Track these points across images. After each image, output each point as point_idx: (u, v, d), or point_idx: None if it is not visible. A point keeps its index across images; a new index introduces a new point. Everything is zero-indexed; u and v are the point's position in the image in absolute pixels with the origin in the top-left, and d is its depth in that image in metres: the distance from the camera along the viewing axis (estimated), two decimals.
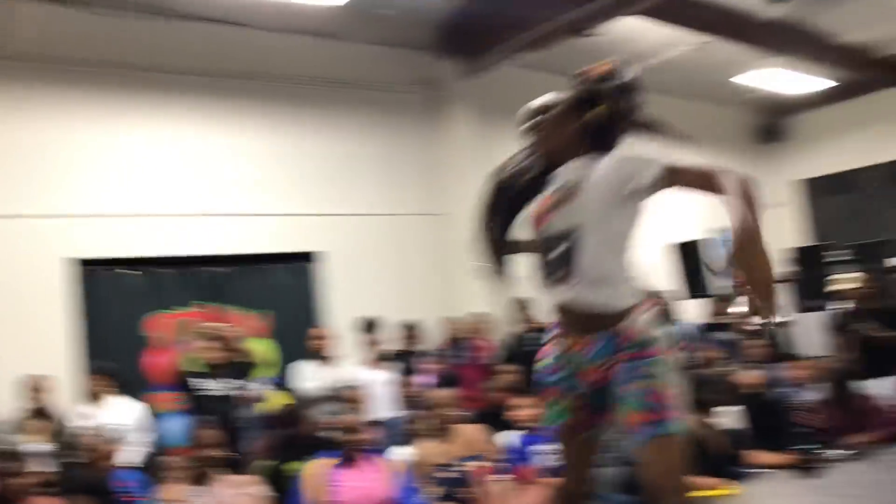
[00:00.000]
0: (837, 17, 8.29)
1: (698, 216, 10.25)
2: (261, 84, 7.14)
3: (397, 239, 7.90)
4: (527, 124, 2.41)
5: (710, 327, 8.24)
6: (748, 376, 6.03)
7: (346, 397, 5.45)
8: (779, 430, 5.57)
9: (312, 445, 5.04)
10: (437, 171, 8.26)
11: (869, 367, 6.31)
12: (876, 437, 5.42)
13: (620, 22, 7.25)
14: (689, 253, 9.13)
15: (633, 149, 2.20)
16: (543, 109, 2.33)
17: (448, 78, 8.21)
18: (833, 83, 9.91)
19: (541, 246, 2.25)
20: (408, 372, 6.21)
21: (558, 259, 2.19)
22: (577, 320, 2.19)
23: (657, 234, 9.38)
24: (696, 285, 8.96)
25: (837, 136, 11.03)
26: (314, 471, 4.24)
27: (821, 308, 8.14)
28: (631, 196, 2.12)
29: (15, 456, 4.57)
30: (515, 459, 4.76)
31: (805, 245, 10.44)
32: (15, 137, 6.05)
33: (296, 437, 5.20)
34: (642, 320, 2.16)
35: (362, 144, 7.78)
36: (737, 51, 8.40)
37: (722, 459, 4.68)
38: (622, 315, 2.15)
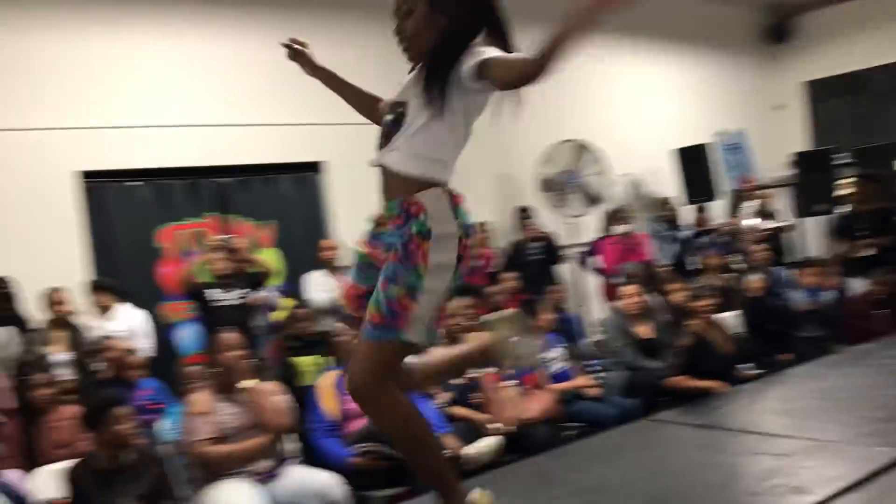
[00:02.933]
0: None
1: (703, 121, 10.23)
2: None
3: None
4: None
5: (706, 232, 8.33)
6: (751, 281, 6.14)
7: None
8: (782, 334, 5.74)
9: (317, 342, 5.28)
10: None
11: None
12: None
13: None
14: (693, 158, 9.11)
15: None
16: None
17: None
18: None
19: (384, 111, 2.35)
20: None
21: (387, 125, 2.26)
22: (385, 185, 2.26)
23: (662, 140, 9.39)
24: (700, 190, 8.98)
25: (846, 36, 10.81)
26: (327, 382, 4.37)
27: (826, 213, 8.20)
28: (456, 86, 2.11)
29: (40, 366, 4.74)
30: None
31: (810, 149, 10.42)
32: (20, 50, 5.95)
33: (302, 334, 5.42)
34: (432, 200, 2.17)
35: (365, 51, 7.64)
36: None
37: (725, 361, 4.83)
38: (420, 185, 2.18)
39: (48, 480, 3.81)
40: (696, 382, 4.53)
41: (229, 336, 4.13)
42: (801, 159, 9.60)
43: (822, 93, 11.26)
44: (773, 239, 8.39)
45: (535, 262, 7.58)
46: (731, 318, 6.07)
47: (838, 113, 11.06)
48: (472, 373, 4.54)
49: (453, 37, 2.18)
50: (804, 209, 8.99)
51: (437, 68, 2.15)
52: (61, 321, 5.38)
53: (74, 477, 3.59)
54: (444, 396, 4.43)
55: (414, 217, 2.15)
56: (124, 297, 5.79)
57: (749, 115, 10.92)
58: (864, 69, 10.61)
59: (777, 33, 11.42)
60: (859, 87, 10.83)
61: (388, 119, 2.28)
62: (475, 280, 6.96)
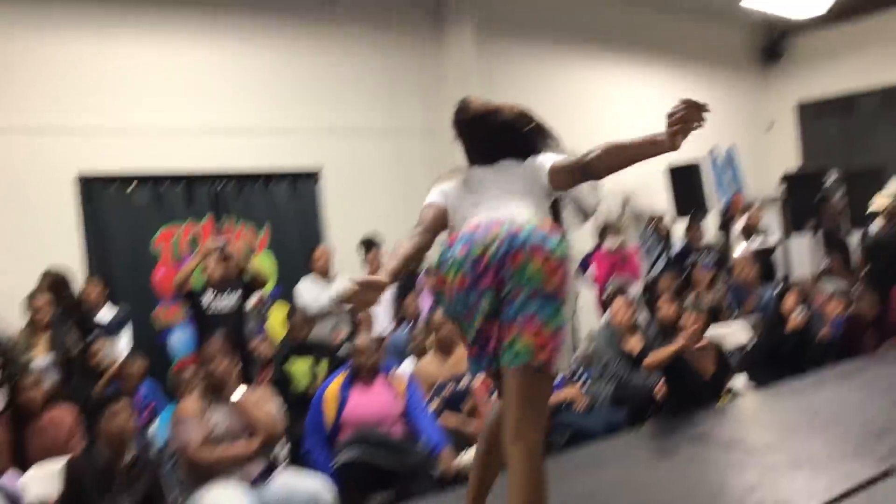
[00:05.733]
0: None
1: (696, 138, 10.31)
2: None
3: (398, 155, 7.93)
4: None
5: (697, 249, 8.39)
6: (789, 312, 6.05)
7: (351, 316, 5.63)
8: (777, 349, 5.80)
9: (311, 348, 5.33)
10: (438, 87, 8.22)
11: None
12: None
13: None
14: (685, 175, 9.19)
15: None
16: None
17: None
18: (832, 2, 9.78)
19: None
20: (409, 289, 6.35)
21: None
22: None
23: (657, 157, 9.46)
24: (691, 207, 9.06)
25: (836, 58, 10.95)
26: (333, 389, 4.41)
27: (814, 230, 8.29)
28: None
29: (28, 370, 4.73)
30: None
31: (800, 168, 10.54)
32: (18, 52, 5.99)
33: (295, 340, 5.47)
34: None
35: (363, 59, 7.73)
36: None
37: (704, 385, 4.84)
38: None
39: (41, 480, 3.83)
40: None
41: (221, 342, 4.16)
42: (792, 179, 9.71)
43: (813, 113, 11.39)
44: (763, 257, 8.48)
45: None
46: (739, 329, 6.12)
47: (829, 134, 11.20)
48: (464, 380, 4.60)
49: None
50: (793, 228, 9.08)
51: None
52: (41, 324, 5.28)
53: (72, 470, 3.61)
54: (435, 403, 4.48)
55: None
56: (113, 298, 5.82)
57: (741, 133, 11.04)
58: (855, 91, 10.76)
59: (770, 54, 11.57)
60: (849, 108, 10.97)
61: None
62: None
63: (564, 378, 5.03)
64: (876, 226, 7.39)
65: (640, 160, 2.25)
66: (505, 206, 2.30)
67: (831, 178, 9.47)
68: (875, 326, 6.03)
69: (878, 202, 7.37)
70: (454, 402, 4.54)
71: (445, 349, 4.83)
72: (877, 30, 10.53)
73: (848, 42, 10.81)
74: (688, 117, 2.06)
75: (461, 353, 4.73)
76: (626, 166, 2.27)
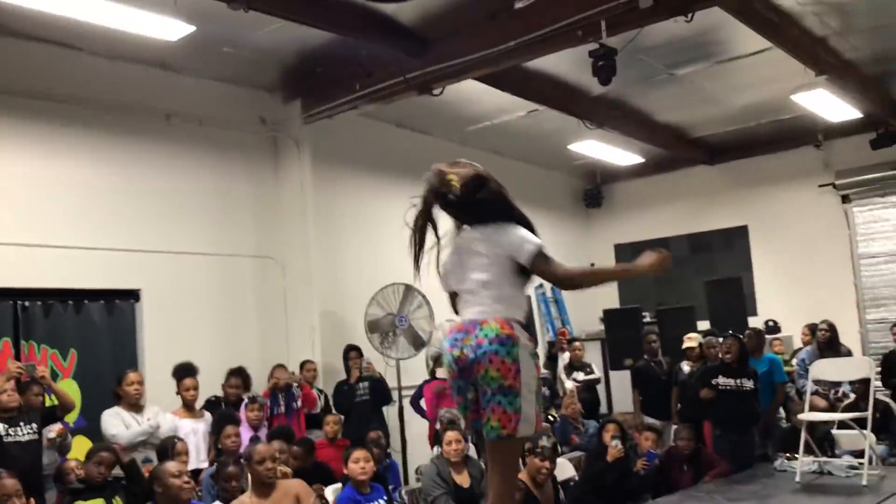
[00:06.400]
0: (655, 98, 9.06)
1: None
2: (89, 111, 6.72)
3: (226, 281, 7.67)
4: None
5: None
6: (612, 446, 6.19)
7: (163, 447, 5.18)
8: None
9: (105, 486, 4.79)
10: (272, 214, 8.13)
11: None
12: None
13: (461, 84, 7.52)
14: None
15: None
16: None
17: (289, 120, 8.16)
18: (645, 158, 10.74)
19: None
20: (228, 421, 5.96)
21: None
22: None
23: None
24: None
25: (650, 206, 11.95)
26: None
27: (632, 366, 8.68)
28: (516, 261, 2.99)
29: None
30: None
31: (618, 307, 11.17)
32: None
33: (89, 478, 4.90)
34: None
35: (196, 181, 7.52)
36: (566, 121, 8.95)
37: None
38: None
39: None
40: None
41: (10, 480, 3.69)
42: (611, 316, 10.25)
43: (630, 255, 12.19)
44: (587, 391, 8.76)
45: (362, 402, 7.45)
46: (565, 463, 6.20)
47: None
48: None
49: None
50: (613, 363, 9.51)
51: None
52: None
53: None
54: None
55: None
56: None
57: None
58: (666, 237, 11.70)
59: (592, 199, 12.43)
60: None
61: None
62: (292, 422, 6.71)
63: None
64: (686, 364, 7.84)
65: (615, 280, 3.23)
66: (478, 304, 2.97)
67: (646, 316, 10.11)
68: (690, 462, 6.28)
69: (688, 341, 7.87)
70: None
71: (264, 488, 4.50)
72: (684, 183, 11.62)
73: (658, 194, 11.83)
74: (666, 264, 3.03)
75: (281, 491, 4.44)
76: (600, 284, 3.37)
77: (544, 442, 5.08)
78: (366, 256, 8.60)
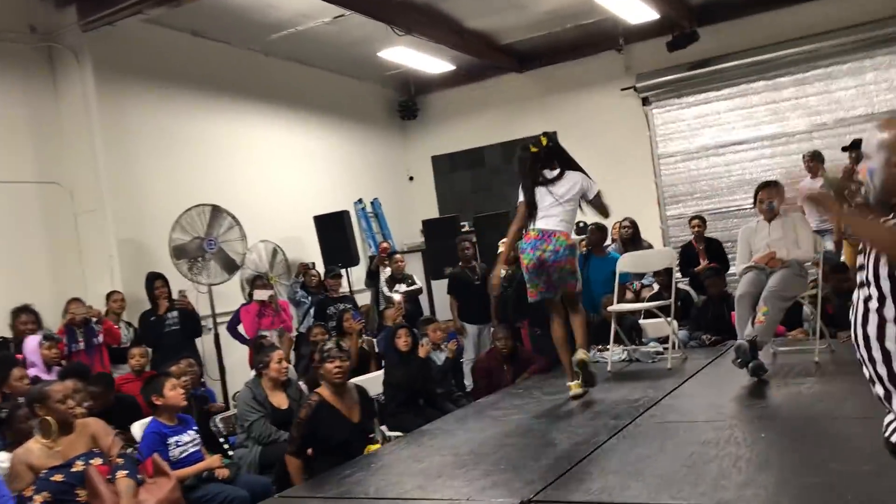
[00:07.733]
0: (463, 3, 8.90)
1: (342, 189, 10.48)
2: None
3: (7, 211, 6.87)
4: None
5: (340, 298, 8.43)
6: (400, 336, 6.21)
7: None
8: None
9: None
10: (54, 134, 7.33)
11: None
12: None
13: None
14: (332, 225, 9.24)
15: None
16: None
17: (64, 28, 7.29)
18: (457, 66, 10.64)
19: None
20: (13, 363, 5.39)
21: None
22: None
23: (302, 206, 9.41)
24: (339, 257, 9.11)
25: (464, 116, 11.94)
26: None
27: (450, 276, 8.70)
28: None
29: None
30: (148, 451, 4.39)
31: (438, 217, 11.20)
32: None
33: None
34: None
35: None
36: (375, 27, 8.61)
37: (350, 430, 4.73)
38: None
39: None
40: None
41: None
42: (430, 226, 10.25)
43: (447, 166, 12.24)
44: (410, 301, 8.75)
45: (171, 333, 7.02)
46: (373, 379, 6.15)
47: (461, 184, 12.10)
48: (79, 464, 3.91)
49: None
50: (435, 273, 9.53)
51: None
52: None
53: None
54: (38, 499, 3.73)
55: None
56: None
57: (385, 185, 11.48)
58: (481, 146, 11.78)
59: (407, 111, 12.23)
60: (477, 161, 11.97)
61: None
62: (94, 359, 6.23)
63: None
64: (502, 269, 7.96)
65: None
66: (554, 217, 4.84)
67: (464, 224, 10.18)
68: (509, 361, 6.42)
69: (503, 246, 7.97)
70: (64, 491, 3.82)
71: (60, 431, 4.07)
72: (496, 92, 11.66)
73: (472, 103, 11.82)
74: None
75: (76, 433, 4.04)
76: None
77: None
78: (165, 177, 7.99)
